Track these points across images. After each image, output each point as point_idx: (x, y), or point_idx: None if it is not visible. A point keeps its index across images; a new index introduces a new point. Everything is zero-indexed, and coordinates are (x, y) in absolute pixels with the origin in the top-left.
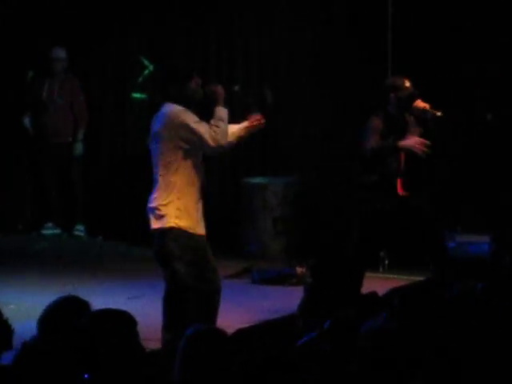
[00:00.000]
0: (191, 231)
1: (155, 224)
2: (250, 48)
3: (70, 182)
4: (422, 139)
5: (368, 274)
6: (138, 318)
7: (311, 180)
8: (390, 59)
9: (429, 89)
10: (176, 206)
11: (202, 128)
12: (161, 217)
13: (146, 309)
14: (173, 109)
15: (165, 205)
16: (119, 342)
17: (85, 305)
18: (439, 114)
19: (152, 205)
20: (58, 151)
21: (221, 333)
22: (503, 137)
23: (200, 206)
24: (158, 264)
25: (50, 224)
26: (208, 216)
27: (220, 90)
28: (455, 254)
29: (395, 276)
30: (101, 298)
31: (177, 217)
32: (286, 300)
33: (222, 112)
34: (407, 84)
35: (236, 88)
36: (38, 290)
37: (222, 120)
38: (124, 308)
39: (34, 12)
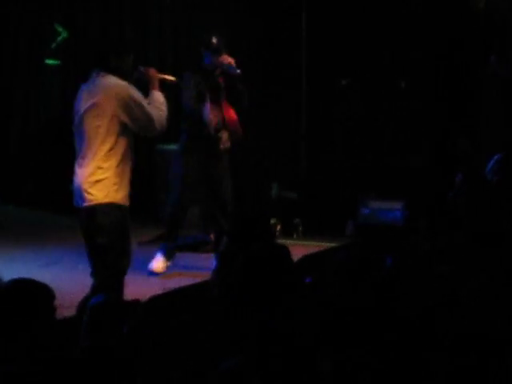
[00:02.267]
0: (122, 203)
1: (87, 200)
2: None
3: None
4: None
5: (283, 241)
6: (52, 285)
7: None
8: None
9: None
10: (113, 181)
11: (153, 111)
12: (96, 191)
13: (60, 276)
14: (118, 81)
15: (101, 180)
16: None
17: None
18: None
19: (84, 180)
20: None
21: (122, 302)
22: (415, 102)
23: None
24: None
25: None
26: None
27: (153, 72)
28: (368, 220)
29: (309, 242)
30: (14, 264)
31: (115, 191)
32: (200, 267)
33: (161, 97)
34: (214, 40)
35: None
36: None
37: (163, 104)
38: (38, 275)
39: None
